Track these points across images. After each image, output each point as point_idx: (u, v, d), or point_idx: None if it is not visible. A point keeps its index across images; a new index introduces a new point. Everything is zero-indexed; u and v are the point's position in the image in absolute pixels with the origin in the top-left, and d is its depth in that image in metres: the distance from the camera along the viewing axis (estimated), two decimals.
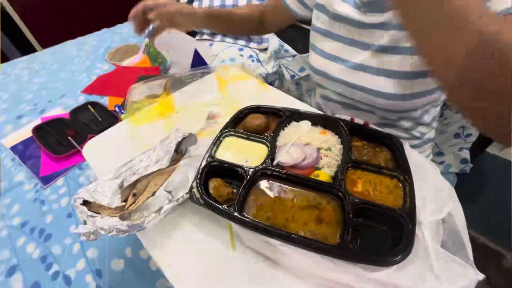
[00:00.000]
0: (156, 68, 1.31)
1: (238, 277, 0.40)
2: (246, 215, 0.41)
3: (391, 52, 0.55)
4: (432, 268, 0.36)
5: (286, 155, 0.49)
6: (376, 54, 0.57)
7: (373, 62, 0.57)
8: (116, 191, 0.42)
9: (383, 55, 0.56)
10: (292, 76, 1.03)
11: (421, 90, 0.56)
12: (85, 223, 0.39)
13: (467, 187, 1.12)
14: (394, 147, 0.50)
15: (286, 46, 1.24)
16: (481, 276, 0.35)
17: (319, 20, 0.66)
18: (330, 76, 0.65)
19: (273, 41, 1.23)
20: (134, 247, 0.71)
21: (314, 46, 0.67)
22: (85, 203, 0.42)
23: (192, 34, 1.28)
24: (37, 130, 1.00)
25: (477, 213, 1.16)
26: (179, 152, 0.50)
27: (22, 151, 0.98)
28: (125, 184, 0.43)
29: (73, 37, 1.61)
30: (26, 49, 1.84)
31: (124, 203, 0.43)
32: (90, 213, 0.41)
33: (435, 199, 0.43)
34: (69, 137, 1.00)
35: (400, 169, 0.46)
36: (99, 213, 0.42)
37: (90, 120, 1.08)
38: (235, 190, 0.45)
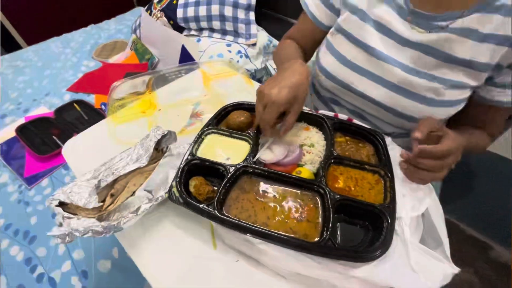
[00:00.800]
0: (143, 64, 1.29)
1: (218, 276, 0.39)
2: (226, 214, 0.40)
3: (428, 79, 0.50)
4: (410, 263, 0.36)
5: (268, 152, 0.48)
6: (412, 78, 0.51)
7: (411, 85, 0.51)
8: (93, 191, 0.41)
9: (420, 80, 0.51)
10: None
11: (445, 116, 0.54)
12: (60, 225, 0.38)
13: (455, 181, 1.13)
14: (377, 142, 0.50)
15: (275, 41, 1.23)
16: (456, 270, 0.36)
17: (348, 21, 0.57)
18: (353, 88, 0.58)
19: (261, 36, 1.21)
20: (121, 248, 0.71)
21: (333, 48, 0.60)
22: (62, 204, 0.41)
23: (179, 29, 1.26)
24: (21, 129, 0.98)
25: (465, 206, 1.17)
26: (160, 150, 0.50)
27: (5, 151, 0.96)
28: (102, 185, 0.42)
29: (58, 33, 1.57)
30: (10, 46, 1.79)
31: (102, 204, 0.42)
32: (66, 214, 0.40)
33: (415, 196, 0.43)
34: (54, 137, 0.98)
35: (382, 164, 0.46)
36: (76, 214, 0.41)
37: (75, 118, 1.06)
38: (216, 189, 0.44)
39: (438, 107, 0.51)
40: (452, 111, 0.53)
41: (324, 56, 0.62)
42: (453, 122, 0.58)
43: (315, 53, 0.73)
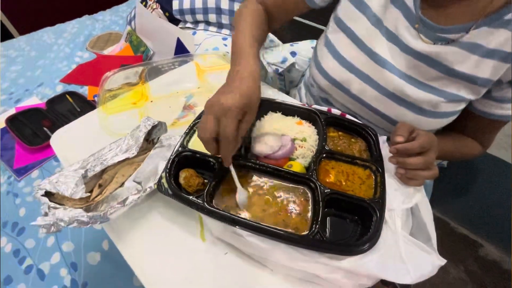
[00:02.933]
0: (138, 57, 1.27)
1: (207, 269, 0.39)
2: (216, 206, 0.40)
3: (426, 90, 0.49)
4: (400, 254, 0.37)
5: (260, 145, 0.48)
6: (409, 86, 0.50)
7: (408, 94, 0.50)
8: (79, 181, 0.41)
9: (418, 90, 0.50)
10: (276, 70, 1.02)
11: (438, 126, 0.53)
12: (46, 215, 0.37)
13: (447, 181, 1.14)
14: (369, 137, 0.50)
15: (271, 36, 1.22)
16: (443, 262, 0.36)
17: (351, 19, 0.53)
18: (349, 90, 0.56)
19: None
20: (111, 240, 0.70)
21: (333, 47, 0.56)
22: (48, 194, 0.41)
23: (175, 22, 1.24)
24: (11, 120, 0.96)
25: (456, 205, 1.19)
26: (150, 141, 0.49)
27: None
28: (90, 174, 0.42)
29: (52, 23, 1.54)
30: (2, 35, 1.76)
31: (89, 194, 0.41)
32: (52, 204, 0.39)
33: (406, 191, 0.43)
34: (45, 128, 0.97)
35: (373, 159, 0.46)
36: (63, 204, 0.40)
37: (68, 110, 1.05)
38: (206, 181, 0.44)
39: (433, 118, 0.51)
40: (445, 122, 0.53)
41: (322, 54, 0.59)
42: (441, 129, 0.58)
43: (312, 48, 0.70)
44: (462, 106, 0.51)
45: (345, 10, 0.54)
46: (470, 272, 1.09)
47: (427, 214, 0.42)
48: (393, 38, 0.50)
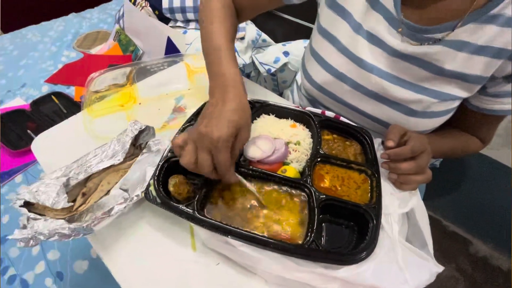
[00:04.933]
0: (127, 56, 1.24)
1: (198, 280, 0.37)
2: (207, 215, 0.38)
3: (418, 91, 0.48)
4: (397, 261, 0.36)
5: (253, 150, 0.46)
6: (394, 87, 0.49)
7: (399, 97, 0.50)
8: (61, 190, 0.38)
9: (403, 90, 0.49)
10: (269, 70, 1.00)
11: (433, 126, 0.53)
12: (24, 227, 0.35)
13: (439, 180, 1.15)
14: (364, 140, 0.49)
15: (264, 36, 1.20)
16: (440, 269, 0.36)
17: (334, 27, 0.52)
18: (338, 98, 0.56)
19: (250, 30, 1.18)
20: None
21: (319, 57, 0.55)
22: (28, 204, 0.38)
23: (165, 21, 1.22)
24: None
25: (448, 204, 1.20)
26: (137, 146, 0.47)
27: None
28: (72, 183, 0.39)
29: (36, 21, 1.49)
30: None
31: (72, 204, 0.39)
32: (32, 215, 0.37)
33: (401, 196, 0.42)
34: (29, 131, 0.93)
35: (369, 163, 0.45)
36: (44, 215, 0.38)
37: (53, 112, 1.01)
38: (197, 188, 0.42)
39: (425, 118, 0.50)
40: (440, 121, 0.52)
41: (309, 64, 0.58)
42: (440, 127, 0.57)
43: (304, 48, 0.68)
44: (455, 104, 0.50)
45: (327, 19, 0.53)
46: (461, 269, 1.10)
47: (423, 219, 0.42)
48: (377, 42, 0.49)
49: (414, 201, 0.42)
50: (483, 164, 1.06)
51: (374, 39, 0.49)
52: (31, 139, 0.91)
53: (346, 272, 0.34)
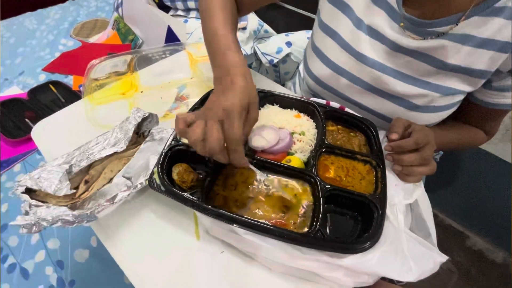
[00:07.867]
0: (127, 45, 1.21)
1: (202, 268, 0.37)
2: (211, 203, 0.38)
3: (421, 85, 0.48)
4: (402, 250, 0.36)
5: (258, 139, 0.46)
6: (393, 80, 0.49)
7: (403, 92, 0.49)
8: (63, 177, 0.38)
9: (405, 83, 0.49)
10: (271, 61, 0.99)
11: (437, 121, 0.52)
12: (26, 213, 0.35)
13: (437, 174, 1.15)
14: (368, 131, 0.49)
15: (266, 26, 1.18)
16: (444, 258, 0.36)
17: (336, 23, 0.52)
18: (338, 92, 0.55)
19: (252, 20, 1.16)
20: None
21: (320, 52, 0.55)
22: (29, 191, 0.38)
23: (165, 9, 1.19)
24: None
25: (444, 198, 1.21)
26: (140, 134, 0.46)
27: None
28: (75, 170, 0.39)
29: (32, 8, 1.45)
30: None
31: (75, 191, 0.39)
32: (34, 202, 0.36)
33: (405, 186, 0.42)
34: (27, 119, 0.91)
35: (374, 154, 0.45)
36: (46, 202, 0.38)
37: (51, 100, 0.99)
38: (201, 177, 0.42)
39: (429, 112, 0.50)
40: (443, 115, 0.52)
41: (311, 59, 0.57)
42: (445, 120, 0.56)
43: (308, 39, 0.68)
44: (458, 98, 0.50)
45: (329, 15, 0.52)
46: (457, 262, 1.12)
47: (426, 209, 0.42)
48: (379, 37, 0.49)
49: (419, 192, 0.42)
50: (480, 158, 1.07)
51: (375, 34, 0.49)
52: (29, 128, 0.90)
53: (351, 260, 0.34)
